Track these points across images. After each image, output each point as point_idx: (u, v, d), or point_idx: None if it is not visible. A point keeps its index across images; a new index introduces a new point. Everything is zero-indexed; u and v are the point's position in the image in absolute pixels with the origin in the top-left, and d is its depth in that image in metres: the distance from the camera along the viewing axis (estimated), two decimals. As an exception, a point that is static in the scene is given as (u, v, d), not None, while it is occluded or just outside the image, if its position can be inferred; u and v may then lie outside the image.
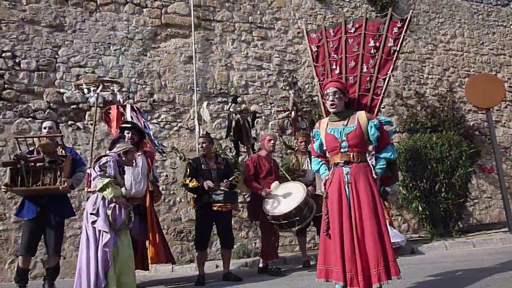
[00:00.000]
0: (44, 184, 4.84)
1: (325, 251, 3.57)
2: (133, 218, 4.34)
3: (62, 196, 5.09)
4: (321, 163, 3.83)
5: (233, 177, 5.61)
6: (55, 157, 4.93)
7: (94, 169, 4.32)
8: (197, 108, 7.40)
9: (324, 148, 3.74)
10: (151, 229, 5.40)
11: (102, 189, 4.13)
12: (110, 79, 7.14)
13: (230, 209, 5.58)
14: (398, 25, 5.21)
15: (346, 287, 3.35)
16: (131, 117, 5.85)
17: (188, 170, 5.51)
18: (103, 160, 4.30)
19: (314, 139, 3.84)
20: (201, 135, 6.24)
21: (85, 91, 6.28)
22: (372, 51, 5.05)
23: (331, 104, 3.67)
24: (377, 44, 5.08)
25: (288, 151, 7.78)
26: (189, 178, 5.42)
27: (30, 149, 5.08)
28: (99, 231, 4.08)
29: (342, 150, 3.57)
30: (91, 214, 4.13)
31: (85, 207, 4.32)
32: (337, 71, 5.24)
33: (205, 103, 7.15)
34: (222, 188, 5.42)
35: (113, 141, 4.66)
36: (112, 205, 4.15)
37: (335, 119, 3.70)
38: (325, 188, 3.64)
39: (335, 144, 3.60)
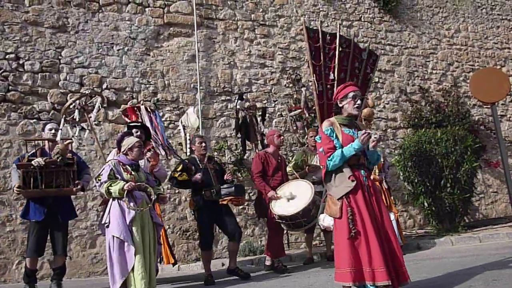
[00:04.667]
0: (58, 186, 4.91)
1: (354, 253, 3.33)
2: (153, 195, 4.54)
3: (67, 197, 5.20)
4: (339, 150, 3.48)
5: (234, 178, 5.74)
6: (70, 159, 5.03)
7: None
8: (198, 108, 7.40)
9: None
10: None
11: (109, 194, 4.43)
12: (91, 92, 6.59)
13: (240, 203, 5.65)
14: (373, 57, 6.28)
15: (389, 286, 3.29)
16: (145, 119, 5.92)
17: (180, 167, 5.48)
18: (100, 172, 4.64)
19: (330, 137, 3.52)
20: (196, 135, 6.22)
21: (75, 114, 5.85)
22: (355, 71, 6.00)
23: (358, 107, 3.60)
24: (360, 67, 6.06)
25: (299, 147, 7.82)
26: (178, 173, 5.40)
27: (33, 151, 5.10)
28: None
29: (357, 154, 3.53)
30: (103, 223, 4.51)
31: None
32: (331, 77, 5.82)
33: (190, 109, 7.13)
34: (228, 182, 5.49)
35: (117, 141, 4.79)
36: (125, 198, 4.38)
37: (346, 122, 3.61)
38: (352, 181, 3.44)
39: None
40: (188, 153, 6.79)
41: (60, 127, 5.63)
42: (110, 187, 4.41)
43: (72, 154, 5.24)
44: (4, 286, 6.14)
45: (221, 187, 5.36)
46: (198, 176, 5.34)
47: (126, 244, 4.33)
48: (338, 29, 6.03)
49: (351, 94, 3.61)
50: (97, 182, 4.54)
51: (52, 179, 4.89)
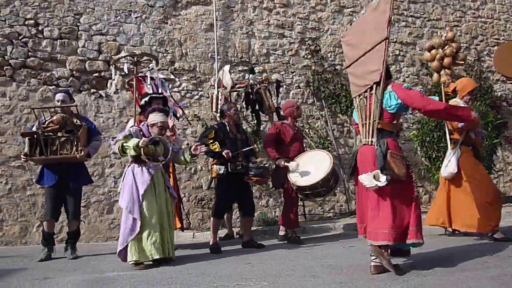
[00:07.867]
0: (62, 153, 5.02)
1: (397, 215, 3.62)
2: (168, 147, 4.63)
3: (80, 164, 5.30)
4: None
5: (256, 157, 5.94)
6: (73, 127, 5.12)
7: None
8: (218, 72, 7.30)
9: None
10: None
11: (123, 152, 4.47)
12: (147, 53, 6.71)
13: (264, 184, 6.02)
14: None
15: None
16: (151, 87, 5.85)
17: (212, 133, 5.47)
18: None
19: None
20: (231, 101, 6.26)
21: (124, 67, 5.83)
22: None
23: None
24: None
25: None
26: (210, 141, 5.40)
27: (48, 118, 5.18)
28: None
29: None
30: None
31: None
32: None
33: (227, 66, 7.03)
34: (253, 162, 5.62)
35: (148, 110, 4.84)
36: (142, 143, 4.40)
37: None
38: None
39: None
40: (217, 113, 6.69)
41: (113, 76, 5.93)
42: (124, 143, 4.41)
43: (82, 120, 5.30)
44: (25, 248, 6.33)
45: (250, 165, 5.43)
46: (229, 154, 5.33)
47: (131, 216, 4.38)
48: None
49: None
50: (114, 144, 4.55)
51: (57, 147, 5.01)
